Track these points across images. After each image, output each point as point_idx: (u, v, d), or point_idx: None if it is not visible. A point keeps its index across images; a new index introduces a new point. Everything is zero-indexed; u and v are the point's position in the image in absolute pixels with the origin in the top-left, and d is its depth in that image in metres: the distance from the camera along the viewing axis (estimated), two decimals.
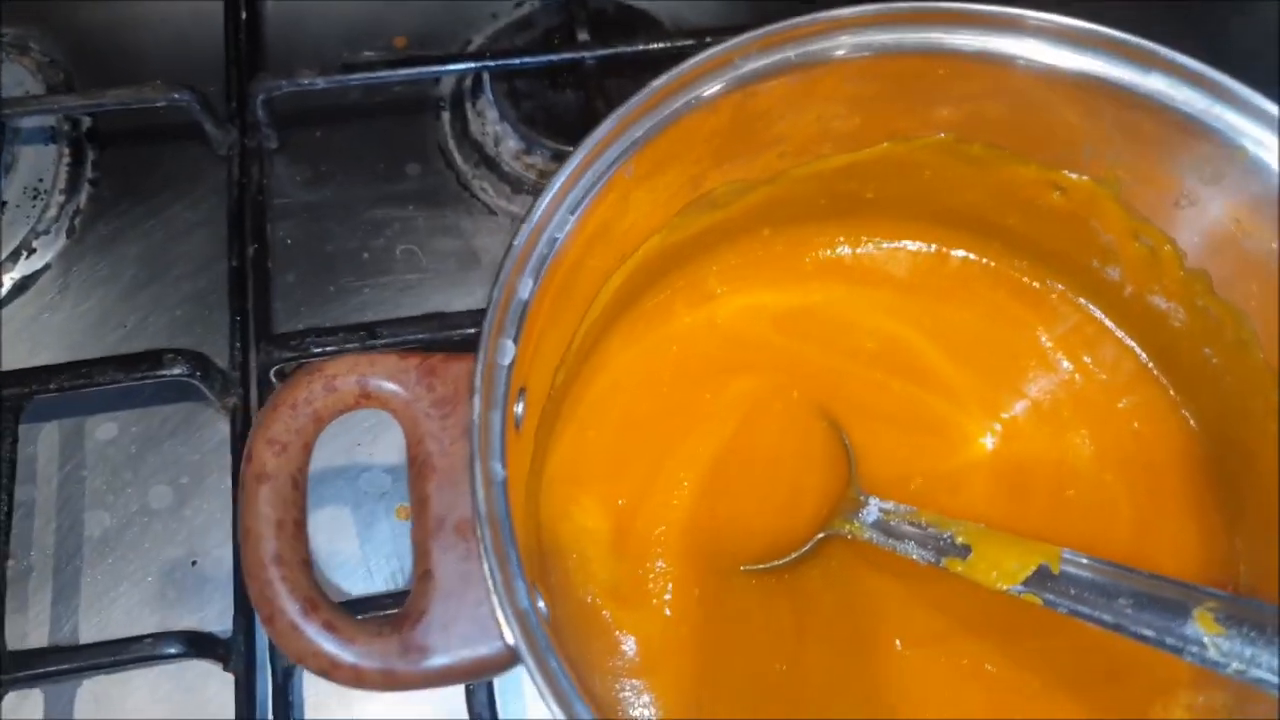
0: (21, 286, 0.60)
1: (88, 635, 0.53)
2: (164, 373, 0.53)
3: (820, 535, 0.48)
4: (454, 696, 0.48)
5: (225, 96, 0.64)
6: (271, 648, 0.50)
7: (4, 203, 0.61)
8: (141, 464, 0.56)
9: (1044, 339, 0.53)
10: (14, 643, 0.50)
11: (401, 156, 0.65)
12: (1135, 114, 0.44)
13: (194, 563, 0.54)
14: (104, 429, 0.57)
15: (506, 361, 0.38)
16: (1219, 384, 0.49)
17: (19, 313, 0.60)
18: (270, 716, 0.50)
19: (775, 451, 0.50)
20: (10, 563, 0.51)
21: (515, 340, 0.38)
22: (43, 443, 0.57)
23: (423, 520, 0.36)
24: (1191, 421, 0.52)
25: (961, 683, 0.47)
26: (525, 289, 0.39)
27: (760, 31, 0.41)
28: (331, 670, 0.33)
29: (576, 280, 0.44)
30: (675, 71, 0.41)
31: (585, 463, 0.49)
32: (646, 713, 0.46)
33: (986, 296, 0.53)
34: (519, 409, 0.39)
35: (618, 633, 0.47)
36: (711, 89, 0.42)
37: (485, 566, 0.34)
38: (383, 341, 0.54)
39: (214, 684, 0.51)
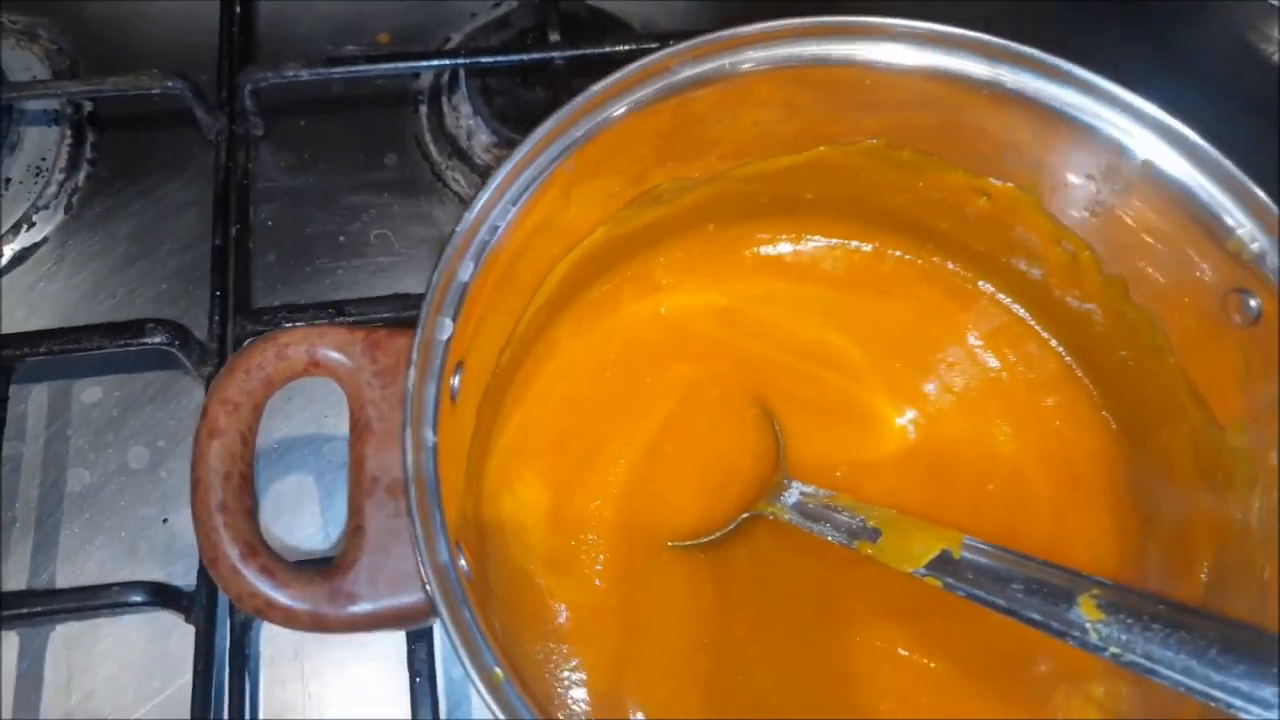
0: (21, 257, 0.64)
1: (64, 584, 0.56)
2: (145, 341, 0.57)
3: (744, 515, 0.51)
4: (397, 656, 0.52)
5: (216, 86, 0.67)
6: (231, 604, 0.54)
7: (8, 179, 0.65)
8: (122, 426, 0.60)
9: (973, 337, 0.56)
10: None
11: (380, 147, 0.68)
12: (1049, 125, 0.46)
13: (165, 520, 0.58)
14: (89, 392, 0.61)
15: (444, 337, 0.41)
16: (1136, 387, 0.52)
17: (18, 282, 0.64)
18: (227, 667, 0.53)
19: (709, 436, 0.53)
20: None
21: (454, 318, 0.41)
22: (32, 403, 0.60)
23: (359, 479, 0.39)
24: (1112, 423, 0.54)
25: (877, 664, 0.50)
26: (466, 272, 0.42)
27: (693, 42, 0.44)
28: (266, 610, 0.37)
29: (520, 266, 0.47)
30: (614, 77, 0.44)
31: (529, 439, 0.52)
32: (573, 675, 0.49)
33: (919, 295, 0.56)
34: (455, 382, 0.42)
35: (550, 600, 0.50)
36: (649, 94, 0.45)
37: (411, 522, 0.37)
38: (350, 319, 0.57)
39: (176, 635, 0.54)
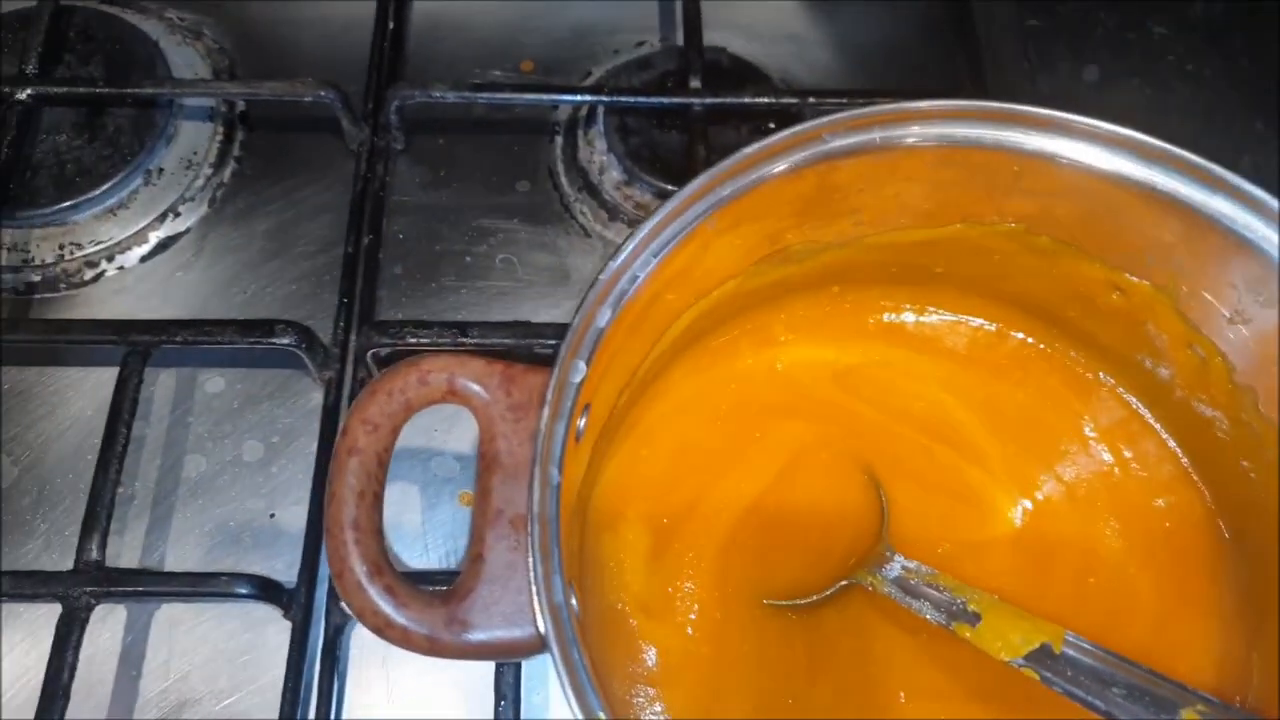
0: (164, 245, 0.67)
1: (172, 564, 0.58)
2: (275, 341, 0.59)
3: (844, 582, 0.51)
4: (481, 676, 0.53)
5: (364, 98, 0.69)
6: (328, 604, 0.55)
7: (161, 169, 0.68)
8: (241, 419, 0.62)
9: (1089, 428, 0.55)
10: (109, 561, 0.55)
11: (514, 172, 0.70)
12: (1198, 230, 0.46)
13: (272, 515, 0.60)
14: (213, 382, 0.63)
15: (577, 380, 0.42)
16: (1256, 499, 0.51)
17: (159, 268, 0.67)
18: (318, 665, 0.54)
19: (814, 496, 0.54)
20: (120, 490, 0.58)
21: (588, 362, 0.42)
22: (160, 387, 0.63)
23: (483, 509, 0.40)
24: (1225, 531, 0.53)
25: None
26: (603, 318, 0.43)
27: (849, 114, 0.45)
28: (385, 629, 0.38)
29: (651, 313, 0.48)
30: (766, 142, 0.45)
31: (636, 480, 0.53)
32: (656, 719, 0.49)
33: (1039, 380, 0.56)
34: (581, 423, 0.43)
35: (641, 642, 0.50)
36: (798, 159, 0.46)
37: (530, 560, 0.38)
38: (472, 340, 0.58)
39: (272, 628, 0.57)
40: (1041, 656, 0.44)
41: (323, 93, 0.66)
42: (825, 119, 0.45)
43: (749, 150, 0.44)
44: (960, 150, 0.46)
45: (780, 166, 0.45)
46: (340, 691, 0.56)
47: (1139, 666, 0.42)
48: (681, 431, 0.55)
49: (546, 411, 0.40)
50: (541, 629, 0.38)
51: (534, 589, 0.38)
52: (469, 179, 0.70)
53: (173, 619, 0.57)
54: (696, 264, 0.48)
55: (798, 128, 0.45)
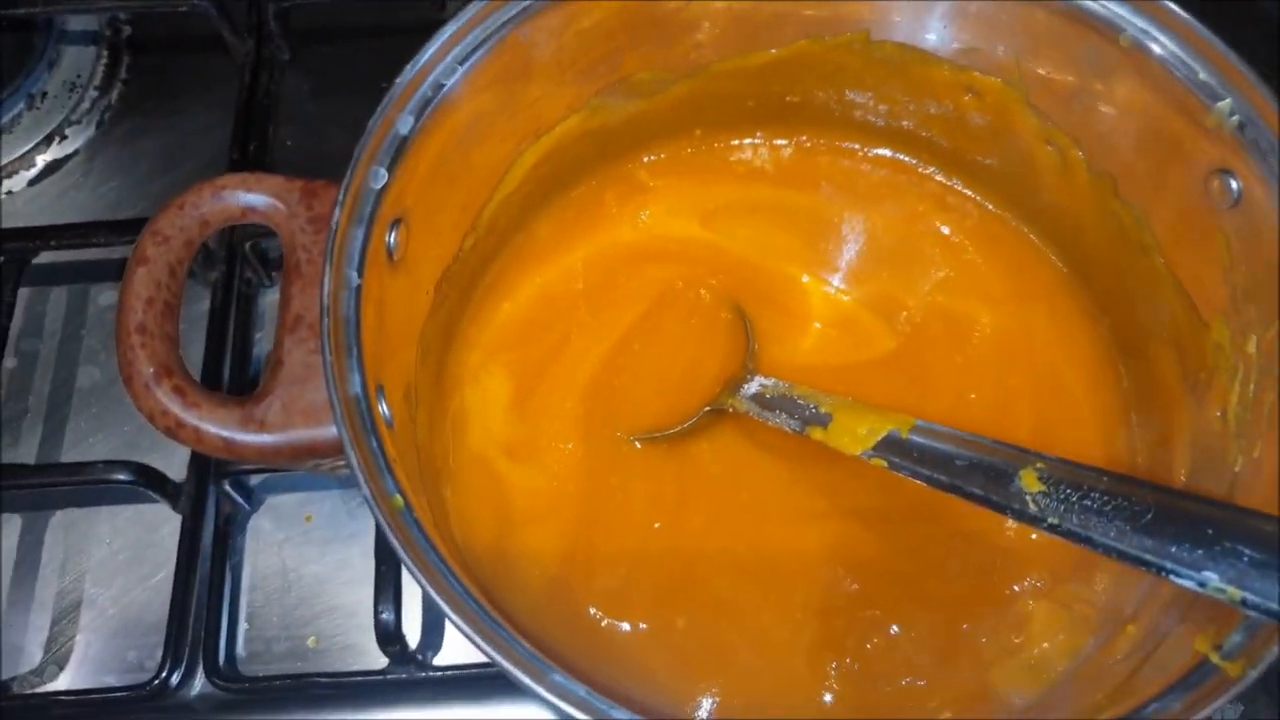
0: (53, 168, 0.67)
1: None
2: None
3: (706, 409, 0.49)
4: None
5: (247, 10, 0.69)
6: (217, 496, 0.55)
7: (44, 94, 0.68)
8: None
9: (962, 246, 0.53)
10: None
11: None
12: (1031, 7, 0.44)
13: None
14: (106, 296, 0.63)
15: (378, 186, 0.41)
16: (1127, 291, 0.49)
17: (48, 190, 0.67)
18: (210, 560, 0.54)
19: (680, 334, 0.52)
20: (10, 405, 0.58)
21: (389, 169, 0.41)
22: (51, 304, 0.63)
23: (284, 317, 0.40)
24: (1104, 330, 0.51)
25: (836, 563, 0.48)
26: (405, 125, 0.42)
27: None
28: (176, 430, 0.37)
29: (479, 140, 0.47)
30: None
31: (498, 333, 0.52)
32: (526, 560, 0.48)
33: (909, 204, 0.54)
34: (391, 238, 0.42)
35: (507, 485, 0.49)
36: None
37: (322, 350, 0.37)
38: None
39: (167, 527, 0.56)
40: (889, 445, 0.42)
41: (195, 2, 0.66)
42: None
43: None
44: None
45: None
46: (236, 582, 0.55)
47: (981, 439, 0.41)
48: (545, 282, 0.54)
49: (338, 212, 0.39)
50: (335, 414, 0.36)
51: (327, 381, 0.37)
52: (357, 83, 0.68)
53: (67, 525, 0.57)
54: (521, 85, 0.47)
55: None
